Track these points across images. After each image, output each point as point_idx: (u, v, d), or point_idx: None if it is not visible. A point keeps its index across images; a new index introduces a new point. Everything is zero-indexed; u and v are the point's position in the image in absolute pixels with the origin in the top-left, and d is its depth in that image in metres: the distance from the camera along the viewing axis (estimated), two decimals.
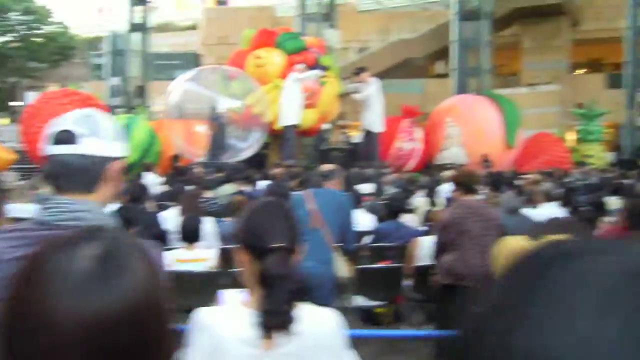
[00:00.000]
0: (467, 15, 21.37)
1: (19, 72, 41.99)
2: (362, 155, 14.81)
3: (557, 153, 18.61)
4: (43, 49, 40.94)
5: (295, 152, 14.12)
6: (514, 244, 2.86)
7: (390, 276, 5.31)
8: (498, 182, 7.94)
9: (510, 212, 5.22)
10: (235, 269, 2.59)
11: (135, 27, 23.34)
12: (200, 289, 4.02)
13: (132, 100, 23.16)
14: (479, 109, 17.67)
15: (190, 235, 4.25)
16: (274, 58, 16.59)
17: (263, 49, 16.84)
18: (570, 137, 22.22)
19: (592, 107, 21.63)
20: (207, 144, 13.47)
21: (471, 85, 20.89)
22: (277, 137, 15.42)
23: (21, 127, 17.42)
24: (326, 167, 5.29)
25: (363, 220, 5.96)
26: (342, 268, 4.18)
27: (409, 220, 6.28)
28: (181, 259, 4.17)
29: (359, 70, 14.45)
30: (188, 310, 1.68)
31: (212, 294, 3.10)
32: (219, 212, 5.99)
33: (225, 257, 4.57)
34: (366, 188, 8.44)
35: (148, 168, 10.73)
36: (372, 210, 6.32)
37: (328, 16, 22.94)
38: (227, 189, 6.93)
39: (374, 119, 14.25)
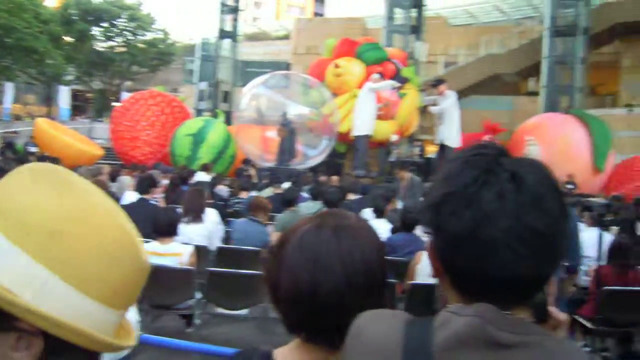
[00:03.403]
0: (561, 31, 20.40)
1: (122, 75, 44.58)
2: (435, 170, 14.33)
3: None
4: (144, 54, 43.18)
5: (364, 162, 13.84)
6: None
7: None
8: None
9: None
10: None
11: (225, 35, 24.06)
12: None
13: (218, 104, 23.88)
14: (565, 128, 16.73)
15: None
16: (354, 68, 16.45)
17: (343, 59, 16.77)
18: None
19: None
20: (277, 149, 13.52)
21: (562, 104, 19.90)
22: (352, 147, 15.24)
23: (110, 125, 18.33)
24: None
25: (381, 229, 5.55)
26: None
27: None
28: None
29: (437, 82, 13.80)
30: None
31: None
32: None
33: None
34: None
35: (205, 168, 10.88)
36: (390, 220, 5.90)
37: (416, 29, 22.59)
38: (267, 192, 6.97)
39: (450, 133, 13.54)
